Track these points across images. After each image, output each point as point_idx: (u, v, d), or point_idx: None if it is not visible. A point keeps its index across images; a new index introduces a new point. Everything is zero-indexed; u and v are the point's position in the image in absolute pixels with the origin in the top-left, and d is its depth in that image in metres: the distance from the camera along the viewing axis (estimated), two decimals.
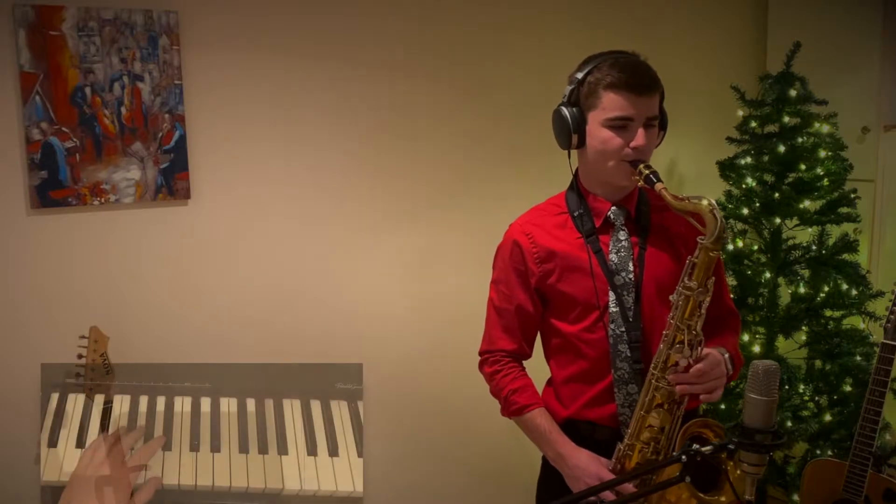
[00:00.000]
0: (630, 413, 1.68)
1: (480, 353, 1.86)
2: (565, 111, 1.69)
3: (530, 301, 1.76)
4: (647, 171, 1.60)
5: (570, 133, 1.69)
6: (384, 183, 2.71)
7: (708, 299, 1.56)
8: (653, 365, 1.61)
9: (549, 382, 1.86)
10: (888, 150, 3.14)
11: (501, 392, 1.79)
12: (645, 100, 1.64)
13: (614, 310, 1.69)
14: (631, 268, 1.70)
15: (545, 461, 1.84)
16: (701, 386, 1.58)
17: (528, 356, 1.84)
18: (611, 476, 1.63)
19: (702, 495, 1.53)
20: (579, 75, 1.69)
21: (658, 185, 1.58)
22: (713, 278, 1.56)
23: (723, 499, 1.52)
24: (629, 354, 1.68)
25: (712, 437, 1.59)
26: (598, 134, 1.66)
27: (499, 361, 1.80)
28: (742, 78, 3.13)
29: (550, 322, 1.79)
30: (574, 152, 1.76)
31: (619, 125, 1.64)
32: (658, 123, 1.71)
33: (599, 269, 1.70)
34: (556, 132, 1.74)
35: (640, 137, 1.63)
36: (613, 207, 1.73)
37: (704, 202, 1.53)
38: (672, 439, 1.63)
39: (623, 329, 1.68)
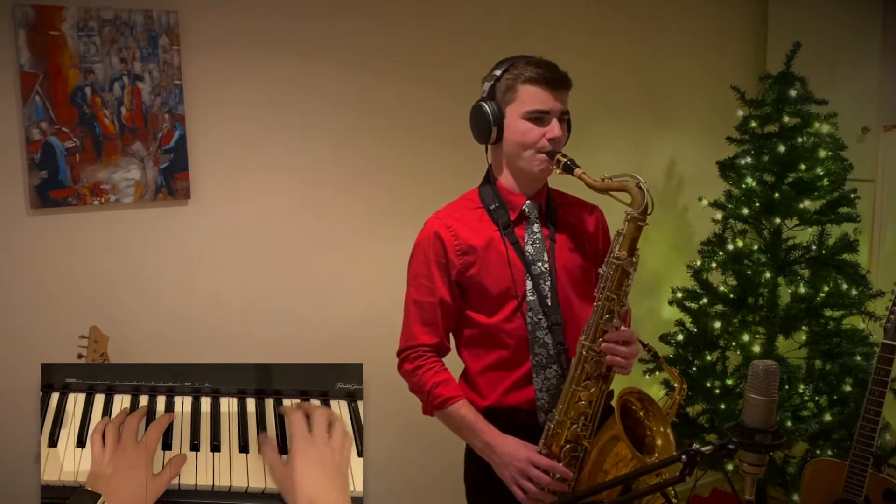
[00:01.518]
0: (547, 398, 1.75)
1: (399, 353, 1.88)
2: (486, 106, 1.77)
3: (450, 294, 1.80)
4: (564, 160, 1.70)
5: (491, 126, 1.76)
6: (384, 182, 2.71)
7: (634, 270, 1.64)
8: (583, 336, 1.67)
9: (463, 375, 1.89)
10: (888, 150, 3.14)
11: (424, 387, 1.81)
12: (560, 94, 1.73)
13: (532, 298, 1.75)
14: (546, 258, 1.78)
15: (469, 454, 1.87)
16: (628, 353, 1.65)
17: (448, 350, 1.87)
18: (542, 459, 1.68)
19: (640, 454, 1.62)
20: (497, 72, 1.78)
21: (577, 171, 1.68)
22: (639, 250, 1.64)
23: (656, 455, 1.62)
24: (547, 340, 1.75)
25: (640, 408, 1.68)
26: (516, 126, 1.74)
27: (420, 356, 1.82)
28: (742, 78, 3.13)
29: (467, 314, 1.82)
30: (489, 147, 1.84)
31: (537, 117, 1.72)
32: (567, 120, 1.79)
33: (517, 259, 1.76)
34: (475, 127, 1.81)
35: (556, 129, 1.72)
36: (528, 201, 1.80)
37: (629, 179, 1.62)
38: (596, 416, 1.69)
39: (541, 316, 1.75)
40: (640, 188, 1.61)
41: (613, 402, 1.65)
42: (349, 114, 2.62)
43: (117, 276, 2.31)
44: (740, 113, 3.02)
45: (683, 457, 1.26)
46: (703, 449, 1.26)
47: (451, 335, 1.88)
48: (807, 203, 2.86)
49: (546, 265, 1.78)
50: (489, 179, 1.85)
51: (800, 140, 2.87)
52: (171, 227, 2.37)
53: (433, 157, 2.79)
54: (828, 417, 2.78)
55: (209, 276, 2.45)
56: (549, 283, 1.77)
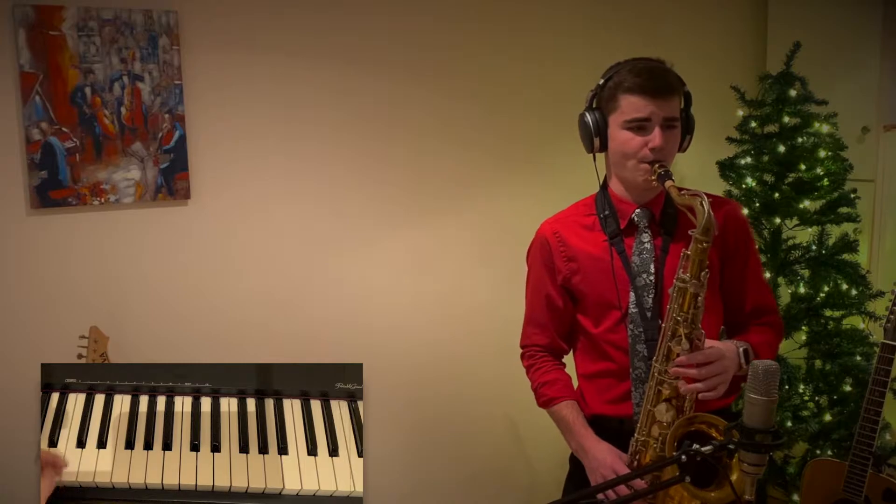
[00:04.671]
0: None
1: (520, 346, 1.93)
2: (588, 116, 1.76)
3: (559, 295, 1.82)
4: (660, 171, 1.66)
5: (592, 137, 1.75)
6: (385, 182, 2.71)
7: (703, 293, 1.58)
8: (654, 358, 1.63)
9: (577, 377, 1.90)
10: (888, 150, 3.13)
11: (533, 384, 1.86)
12: (661, 101, 1.68)
13: (634, 310, 1.72)
14: (652, 269, 1.73)
15: (572, 457, 1.86)
16: (700, 375, 1.58)
17: (565, 351, 1.89)
18: (625, 469, 1.65)
19: (696, 490, 1.51)
20: (601, 81, 1.75)
21: (668, 183, 1.63)
22: (707, 271, 1.58)
23: (713, 494, 1.51)
24: (646, 354, 1.71)
25: (707, 429, 1.57)
26: (617, 136, 1.72)
27: (534, 356, 1.87)
28: (742, 78, 3.13)
29: (578, 320, 1.83)
30: (602, 156, 1.82)
31: (637, 126, 1.68)
32: (681, 126, 1.75)
33: (622, 270, 1.74)
34: (581, 137, 1.80)
35: (656, 138, 1.67)
36: (638, 210, 1.77)
37: (696, 197, 1.58)
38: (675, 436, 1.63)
39: (641, 329, 1.71)
40: (703, 207, 1.55)
41: (667, 441, 1.57)
42: (350, 113, 2.62)
43: (117, 276, 2.31)
44: (740, 113, 3.02)
45: (683, 457, 1.26)
46: (703, 449, 1.26)
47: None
48: (807, 203, 2.86)
49: (652, 277, 1.73)
50: (603, 187, 1.83)
51: (800, 140, 2.87)
52: (171, 227, 2.37)
53: (436, 157, 2.79)
54: (828, 417, 2.78)
55: (209, 275, 2.45)
56: (652, 295, 1.72)
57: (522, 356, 1.91)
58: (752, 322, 1.80)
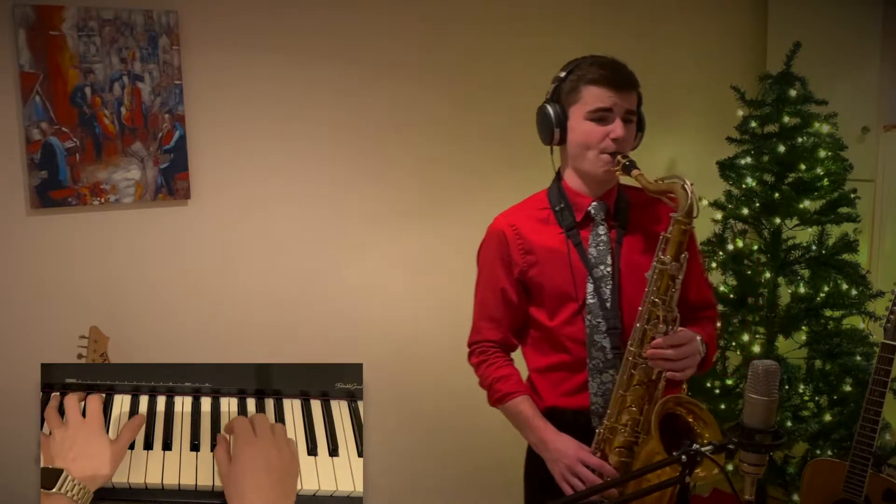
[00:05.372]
0: (602, 402, 1.74)
1: (468, 345, 1.91)
2: (549, 107, 1.77)
3: (514, 290, 1.81)
4: (624, 161, 1.69)
5: (553, 128, 1.76)
6: (385, 183, 2.71)
7: (681, 275, 1.61)
8: (630, 342, 1.66)
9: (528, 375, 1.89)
10: (888, 150, 3.14)
11: (486, 381, 1.85)
12: (623, 94, 1.71)
13: (592, 301, 1.74)
14: (609, 261, 1.76)
15: (529, 451, 1.87)
16: (674, 358, 1.61)
17: (515, 347, 1.89)
18: (592, 458, 1.67)
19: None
20: (562, 74, 1.77)
21: (634, 172, 1.66)
22: (686, 253, 1.62)
23: (700, 472, 1.53)
24: (605, 344, 1.73)
25: (685, 413, 1.62)
26: (579, 127, 1.73)
27: (485, 351, 1.85)
28: (742, 78, 3.14)
29: (531, 314, 1.83)
30: (556, 150, 1.83)
31: (599, 117, 1.71)
32: (636, 122, 1.78)
33: (579, 261, 1.75)
34: (540, 128, 1.81)
35: (618, 128, 1.70)
36: (594, 202, 1.79)
37: (676, 180, 1.60)
38: (650, 421, 1.65)
39: (600, 319, 1.73)
40: (685, 189, 1.58)
41: (653, 415, 1.61)
42: (350, 113, 2.62)
43: (117, 276, 2.31)
44: (740, 113, 3.02)
45: (683, 457, 1.26)
46: (703, 449, 1.26)
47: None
48: (807, 203, 2.86)
49: (609, 268, 1.75)
50: (557, 180, 1.84)
51: (800, 140, 2.87)
52: (171, 227, 2.37)
53: (436, 157, 2.79)
54: (828, 417, 2.78)
55: (209, 275, 2.45)
56: (610, 286, 1.74)
57: (472, 353, 1.89)
58: (696, 315, 1.82)
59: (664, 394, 1.66)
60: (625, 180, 1.78)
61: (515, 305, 1.82)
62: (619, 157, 1.69)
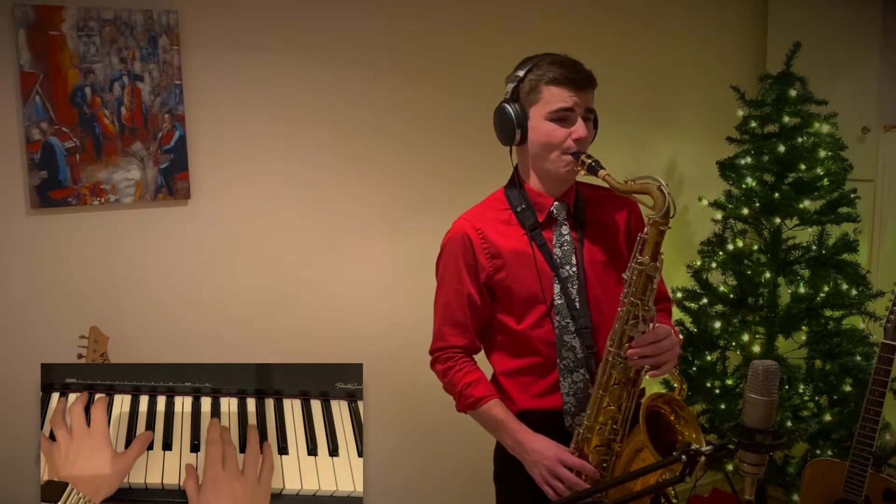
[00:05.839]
0: (574, 402, 1.73)
1: (431, 352, 1.88)
2: (508, 108, 1.74)
3: (479, 295, 1.79)
4: (589, 161, 1.66)
5: (514, 128, 1.74)
6: (384, 182, 2.71)
7: (659, 275, 1.61)
8: (609, 342, 1.65)
9: (492, 378, 1.87)
10: (888, 150, 3.13)
11: (456, 387, 1.82)
12: (584, 93, 1.70)
13: (560, 302, 1.73)
14: (574, 261, 1.75)
15: (498, 452, 1.87)
16: (654, 354, 1.62)
17: (479, 350, 1.87)
18: (571, 457, 1.67)
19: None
20: (520, 73, 1.74)
21: (602, 172, 1.64)
22: (663, 254, 1.61)
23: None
24: (574, 344, 1.73)
25: (669, 412, 1.63)
26: (540, 127, 1.71)
27: (451, 357, 1.83)
28: (742, 78, 3.14)
29: (497, 318, 1.81)
30: (514, 149, 1.81)
31: (561, 117, 1.69)
32: (593, 119, 1.77)
33: (544, 262, 1.74)
34: (499, 129, 1.79)
35: (580, 128, 1.69)
36: (556, 203, 1.77)
37: (651, 181, 1.59)
38: (627, 420, 1.67)
39: (569, 320, 1.73)
40: (662, 191, 1.57)
41: (641, 409, 1.62)
42: (349, 113, 2.62)
43: (117, 276, 2.31)
44: (740, 113, 3.02)
45: (683, 457, 1.26)
46: (703, 449, 1.26)
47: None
48: (807, 203, 2.86)
49: (574, 268, 1.75)
50: (515, 181, 1.82)
51: (800, 140, 2.87)
52: (171, 227, 2.37)
53: (436, 157, 2.79)
54: (828, 417, 2.78)
55: (209, 276, 2.45)
56: (576, 286, 1.74)
57: (437, 360, 1.86)
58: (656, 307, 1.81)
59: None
60: (581, 178, 1.77)
61: (480, 310, 1.80)
62: (583, 157, 1.67)
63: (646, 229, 1.61)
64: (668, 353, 1.64)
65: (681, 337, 1.85)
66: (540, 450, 1.70)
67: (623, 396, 1.66)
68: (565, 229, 1.77)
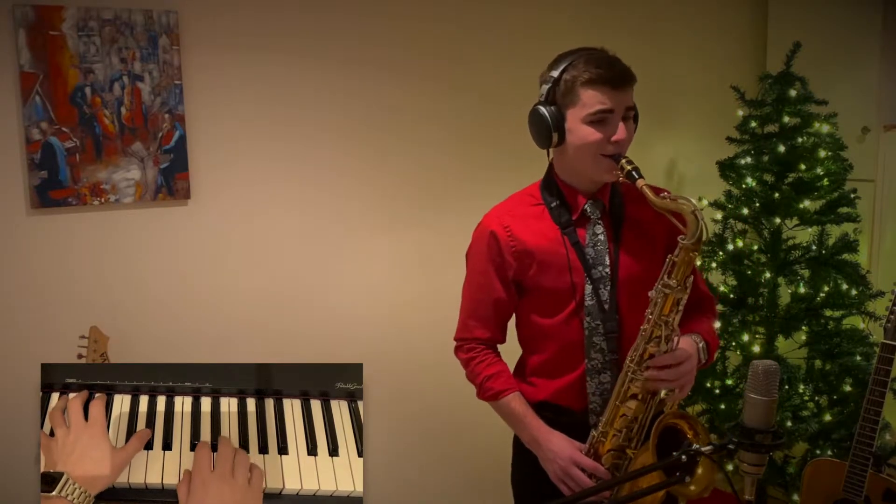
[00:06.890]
0: (600, 401, 1.72)
1: (455, 339, 1.88)
2: (544, 110, 1.68)
3: (506, 292, 1.78)
4: (629, 167, 1.61)
5: (551, 132, 1.68)
6: (384, 182, 2.71)
7: (685, 297, 1.58)
8: (629, 358, 1.63)
9: (519, 363, 1.88)
10: (888, 150, 3.14)
11: (477, 378, 1.82)
12: (622, 92, 1.64)
13: (590, 303, 1.71)
14: (607, 262, 1.72)
15: (516, 444, 1.86)
16: (671, 378, 1.61)
17: (503, 342, 1.87)
18: (585, 459, 1.67)
19: (679, 488, 1.53)
20: (554, 73, 1.68)
21: (640, 182, 1.58)
22: (692, 277, 1.59)
23: (692, 487, 1.53)
24: (603, 346, 1.71)
25: (687, 428, 1.60)
26: (578, 131, 1.66)
27: (474, 349, 1.83)
28: (742, 78, 3.13)
29: (526, 313, 1.80)
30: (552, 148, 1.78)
31: (599, 119, 1.63)
32: (633, 115, 1.72)
33: (577, 262, 1.71)
34: (535, 132, 1.73)
35: (620, 131, 1.63)
36: (590, 201, 1.74)
37: (686, 204, 1.54)
38: (644, 428, 1.66)
39: (598, 322, 1.70)
40: (696, 216, 1.52)
41: (654, 427, 1.60)
42: (349, 113, 2.62)
43: (117, 276, 2.31)
44: (740, 113, 3.02)
45: (683, 457, 1.26)
46: (703, 449, 1.26)
47: (510, 325, 1.86)
48: (807, 203, 2.86)
49: (607, 269, 1.71)
50: (551, 175, 1.78)
51: (800, 140, 2.87)
52: (171, 227, 2.37)
53: (437, 156, 2.79)
54: (828, 417, 2.78)
55: (209, 276, 2.45)
56: (608, 287, 1.71)
57: (459, 348, 1.86)
58: (695, 307, 1.79)
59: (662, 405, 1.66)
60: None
61: (506, 304, 1.79)
62: (623, 162, 1.62)
63: (676, 251, 1.56)
64: (685, 377, 1.62)
65: (720, 340, 1.81)
66: (555, 449, 1.69)
67: (640, 408, 1.64)
68: (599, 228, 1.73)
